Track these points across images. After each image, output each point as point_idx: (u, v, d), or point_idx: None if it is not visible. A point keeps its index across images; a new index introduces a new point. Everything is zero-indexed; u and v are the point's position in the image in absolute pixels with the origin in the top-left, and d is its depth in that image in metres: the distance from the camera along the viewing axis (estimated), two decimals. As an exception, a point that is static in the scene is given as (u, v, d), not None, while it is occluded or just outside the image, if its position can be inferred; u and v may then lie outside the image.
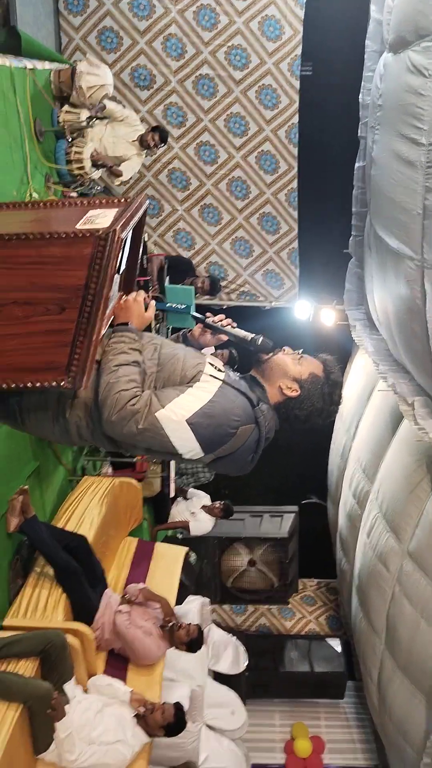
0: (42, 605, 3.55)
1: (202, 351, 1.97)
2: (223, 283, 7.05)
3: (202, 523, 6.21)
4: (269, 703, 7.15)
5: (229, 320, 1.98)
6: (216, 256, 7.06)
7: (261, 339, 1.91)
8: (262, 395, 1.85)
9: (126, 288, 1.96)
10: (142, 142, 5.34)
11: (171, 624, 3.94)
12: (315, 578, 8.20)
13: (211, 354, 1.99)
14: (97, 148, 5.06)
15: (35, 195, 4.26)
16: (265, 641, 7.60)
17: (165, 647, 3.92)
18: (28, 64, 4.38)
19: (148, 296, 1.95)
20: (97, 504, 4.40)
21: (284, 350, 1.94)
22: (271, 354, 1.91)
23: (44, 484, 4.28)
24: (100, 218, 1.56)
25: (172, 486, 5.91)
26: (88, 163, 4.85)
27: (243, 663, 6.08)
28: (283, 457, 7.24)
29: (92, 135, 5.03)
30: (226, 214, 6.81)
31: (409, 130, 3.40)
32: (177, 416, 1.67)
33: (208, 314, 2.01)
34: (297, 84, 6.04)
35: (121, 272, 1.84)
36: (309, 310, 7.17)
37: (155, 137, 5.31)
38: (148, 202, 1.82)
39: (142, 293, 1.90)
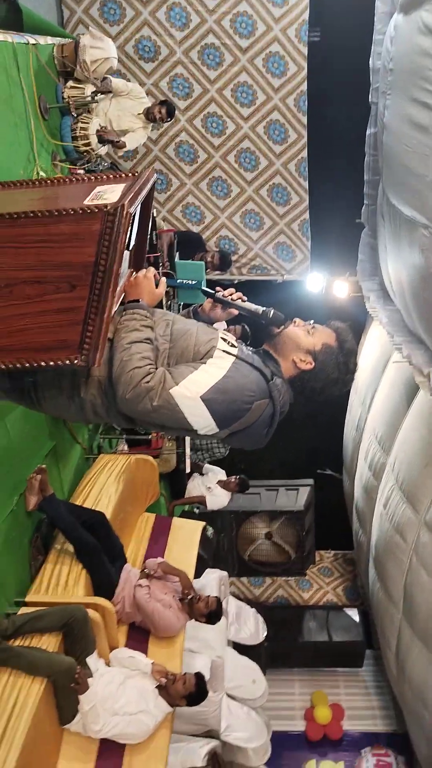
0: (63, 581, 3.61)
1: (215, 326, 1.95)
2: (233, 258, 6.99)
3: (218, 498, 6.25)
4: (289, 673, 7.26)
5: (240, 294, 1.96)
6: (226, 230, 6.98)
7: (272, 312, 1.89)
8: (276, 369, 1.84)
9: (136, 265, 1.95)
10: (149, 115, 5.26)
11: (190, 597, 3.99)
12: (332, 550, 8.26)
13: (224, 329, 1.98)
14: (101, 123, 4.99)
15: (42, 173, 4.23)
16: (283, 612, 7.70)
17: (185, 619, 3.98)
18: (31, 39, 4.30)
19: (158, 273, 1.94)
20: (114, 481, 4.43)
21: (295, 322, 1.92)
22: (282, 327, 1.89)
23: (61, 463, 4.32)
24: (108, 193, 1.54)
25: (188, 462, 5.94)
26: (94, 139, 4.79)
27: (262, 634, 6.17)
28: (297, 430, 7.22)
29: (97, 110, 4.96)
30: (235, 186, 6.72)
31: (422, 94, 3.31)
32: (191, 393, 1.66)
33: (218, 288, 1.99)
34: (305, 50, 5.89)
35: (130, 249, 1.82)
36: (321, 283, 7.10)
37: (162, 111, 5.22)
38: (155, 176, 1.79)
39: (152, 270, 1.88)
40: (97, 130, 4.82)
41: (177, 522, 5.10)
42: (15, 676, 2.97)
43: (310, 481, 7.57)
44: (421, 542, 4.76)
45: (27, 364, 1.38)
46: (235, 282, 7.17)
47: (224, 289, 1.99)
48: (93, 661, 3.28)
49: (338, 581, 8.03)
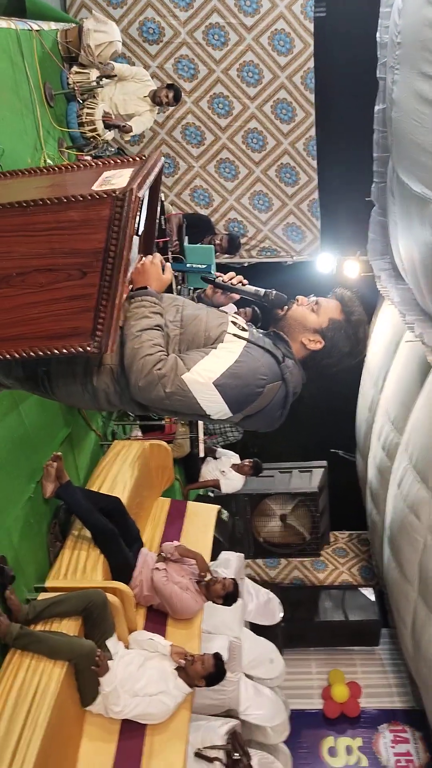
0: (81, 566, 3.65)
1: (225, 309, 1.94)
2: (242, 240, 6.94)
3: (232, 481, 6.29)
4: (305, 652, 7.33)
5: (240, 278, 1.94)
6: (235, 213, 6.93)
7: (273, 293, 1.88)
8: (287, 351, 1.83)
9: (146, 250, 1.94)
10: (155, 99, 5.21)
11: (207, 579, 4.03)
12: (346, 530, 8.28)
13: (234, 312, 1.97)
14: (107, 109, 4.96)
15: (49, 161, 4.21)
16: (299, 593, 7.76)
17: (202, 601, 4.02)
18: (34, 25, 4.27)
19: (169, 257, 1.92)
20: (129, 467, 4.46)
21: (298, 301, 1.90)
22: (286, 308, 1.88)
23: (76, 450, 4.35)
24: (116, 178, 1.53)
25: (201, 446, 5.97)
26: (100, 125, 4.76)
27: (278, 614, 6.21)
28: (310, 412, 7.23)
29: (102, 95, 4.93)
30: (242, 167, 6.65)
31: (431, 67, 3.25)
32: (203, 378, 1.66)
33: (217, 274, 1.97)
34: (311, 26, 5.79)
35: (140, 234, 1.82)
36: (332, 263, 7.05)
37: (169, 94, 5.18)
38: (163, 159, 1.78)
39: (158, 255, 1.87)
40: (103, 116, 4.79)
41: (192, 506, 5.13)
42: (37, 660, 3.02)
43: (324, 462, 7.59)
44: (437, 521, 4.76)
45: (40, 353, 1.38)
46: (245, 265, 7.13)
47: (235, 273, 1.97)
48: (113, 643, 3.33)
49: (353, 561, 8.07)
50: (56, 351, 1.39)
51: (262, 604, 6.15)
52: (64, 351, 1.39)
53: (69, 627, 3.20)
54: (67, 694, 3.08)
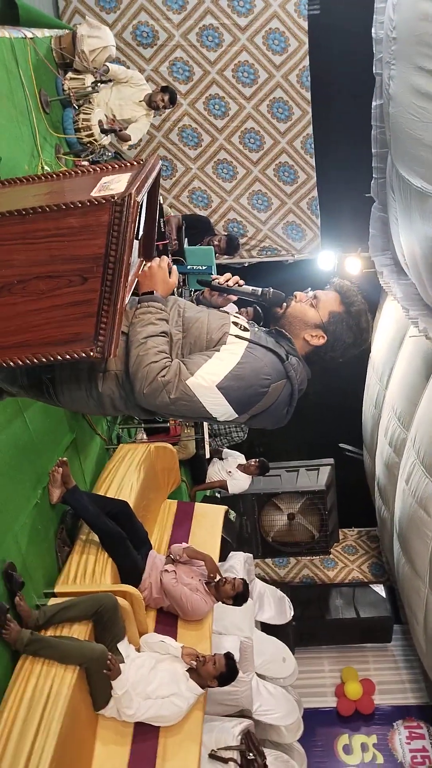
0: (90, 570, 3.65)
1: (226, 310, 1.94)
2: (242, 240, 6.95)
3: (239, 482, 6.28)
4: (318, 650, 7.32)
5: (236, 278, 1.93)
6: (234, 213, 6.93)
7: (271, 292, 1.87)
8: (290, 348, 1.83)
9: (146, 254, 1.94)
10: (151, 103, 5.22)
11: (217, 580, 4.03)
12: (355, 527, 8.28)
13: (236, 312, 1.96)
14: (105, 113, 4.97)
15: (46, 168, 4.22)
16: (309, 591, 7.75)
17: (212, 602, 4.01)
18: (28, 33, 4.28)
19: (169, 261, 1.92)
20: (135, 470, 4.47)
21: (296, 297, 1.89)
22: (285, 306, 1.87)
23: (82, 455, 4.36)
24: (115, 183, 1.53)
25: (207, 447, 5.97)
26: (96, 130, 4.77)
27: (289, 613, 6.21)
28: (315, 409, 7.24)
29: (98, 100, 4.93)
30: (240, 168, 6.66)
31: (427, 61, 3.25)
32: (207, 382, 1.66)
33: (213, 276, 1.97)
34: (305, 24, 5.80)
35: (139, 238, 1.82)
36: (333, 260, 7.05)
37: (164, 98, 5.18)
38: (161, 162, 1.78)
39: (165, 259, 1.87)
40: (100, 121, 4.80)
41: (199, 507, 5.13)
42: (48, 665, 3.02)
43: (331, 460, 7.58)
44: (445, 516, 4.75)
45: (44, 359, 1.39)
46: (246, 265, 7.13)
47: (232, 274, 1.97)
48: (124, 647, 3.33)
49: (363, 558, 8.06)
50: (59, 357, 1.39)
51: (273, 604, 6.15)
52: (68, 357, 1.39)
53: (79, 631, 3.21)
54: (80, 698, 3.08)
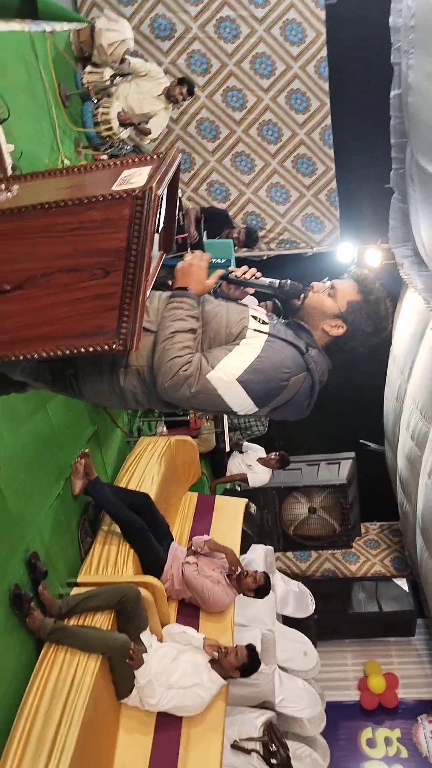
0: (112, 561, 3.69)
1: (244, 302, 1.93)
2: (261, 233, 6.92)
3: (259, 475, 6.29)
4: (340, 644, 7.32)
5: (253, 270, 1.92)
6: (252, 206, 6.91)
7: (288, 283, 1.86)
8: (310, 340, 1.82)
9: (166, 246, 1.95)
10: (169, 96, 5.22)
11: (238, 572, 4.04)
12: (377, 521, 8.23)
13: (255, 306, 1.95)
14: (123, 107, 4.98)
15: (66, 161, 4.25)
16: (331, 585, 7.74)
17: (234, 594, 4.03)
18: (47, 27, 4.31)
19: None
20: (156, 462, 4.50)
21: (313, 288, 1.88)
22: (302, 297, 1.87)
23: (104, 447, 4.40)
24: (135, 177, 1.54)
25: (227, 441, 5.98)
26: (115, 123, 4.79)
27: (311, 607, 6.21)
28: (336, 403, 7.20)
29: (117, 94, 4.95)
30: (259, 160, 6.63)
31: (447, 49, 3.20)
32: (227, 376, 1.67)
33: (230, 269, 1.96)
34: (322, 14, 5.75)
35: (160, 231, 1.83)
36: (353, 252, 7.00)
37: (183, 91, 5.18)
38: (180, 155, 1.79)
39: (207, 256, 1.85)
40: (119, 114, 4.82)
41: (220, 500, 5.15)
42: (71, 654, 3.06)
43: (352, 454, 7.55)
44: (468, 509, 4.71)
45: (67, 351, 1.40)
46: (265, 258, 7.11)
47: (248, 267, 1.96)
48: (146, 637, 3.37)
49: (385, 552, 8.02)
50: (82, 350, 1.41)
51: (294, 597, 6.15)
52: (90, 349, 1.40)
53: (102, 621, 3.24)
54: (103, 687, 3.12)
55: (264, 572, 4.13)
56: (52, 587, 3.24)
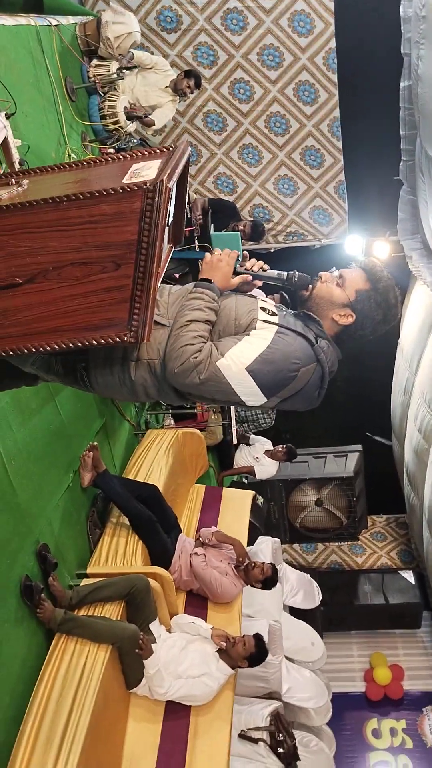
0: (121, 552, 3.72)
1: (253, 294, 1.94)
2: (268, 226, 6.91)
3: (266, 467, 6.30)
4: (346, 636, 7.35)
5: (260, 263, 1.91)
6: (259, 198, 6.89)
7: (296, 274, 1.86)
8: (319, 330, 1.82)
9: (174, 240, 1.96)
10: (177, 89, 5.21)
11: (246, 564, 4.07)
12: (384, 514, 8.24)
13: (263, 298, 1.95)
14: (130, 100, 4.98)
15: (73, 155, 4.26)
16: (338, 577, 7.77)
17: (241, 585, 4.06)
18: (53, 20, 4.30)
19: (195, 245, 1.90)
20: (164, 455, 4.52)
21: (321, 278, 1.88)
22: (311, 288, 1.87)
23: (112, 440, 4.43)
24: (146, 170, 1.55)
25: (234, 433, 6.00)
26: (122, 117, 4.78)
27: (317, 598, 6.23)
28: (343, 396, 7.21)
29: (123, 86, 4.94)
30: (266, 152, 6.61)
31: (457, 39, 3.18)
32: (236, 365, 1.68)
33: (241, 263, 1.96)
34: (331, 5, 5.71)
35: (169, 224, 1.83)
36: (361, 245, 6.97)
37: (190, 83, 5.17)
38: (189, 148, 1.79)
39: (235, 254, 1.85)
40: (125, 108, 4.81)
41: (227, 492, 5.18)
42: (82, 644, 3.10)
43: (359, 446, 7.55)
44: None
45: (79, 343, 1.42)
46: (272, 250, 7.10)
47: (256, 259, 1.96)
48: (155, 627, 3.40)
49: (392, 545, 8.03)
50: (94, 342, 1.42)
51: (301, 589, 6.18)
52: (102, 341, 1.42)
53: (112, 611, 3.28)
54: (112, 676, 3.15)
55: (271, 564, 4.15)
56: (61, 578, 3.28)
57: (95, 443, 3.80)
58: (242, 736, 4.33)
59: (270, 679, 4.88)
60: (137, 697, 3.38)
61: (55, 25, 4.30)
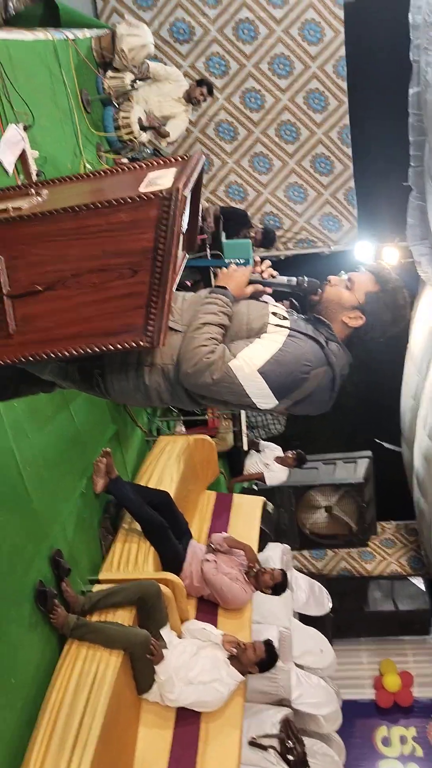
0: (133, 558, 3.74)
1: (264, 299, 1.96)
2: (278, 233, 6.94)
3: (276, 474, 6.31)
4: (356, 642, 7.32)
5: (270, 270, 1.95)
6: (270, 206, 6.93)
7: (306, 280, 1.89)
8: (329, 334, 1.84)
9: (188, 247, 1.99)
10: (190, 99, 5.27)
11: (256, 570, 4.08)
12: (393, 520, 8.21)
13: (274, 303, 1.98)
14: (145, 110, 5.03)
15: (88, 166, 4.31)
16: (347, 583, 7.74)
17: (252, 591, 4.07)
18: (69, 34, 4.37)
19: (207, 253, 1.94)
20: (175, 461, 4.54)
21: (330, 282, 1.90)
22: (320, 292, 1.89)
23: (124, 447, 4.45)
24: (161, 179, 1.58)
25: (245, 440, 6.01)
26: (136, 127, 4.84)
27: (327, 605, 6.21)
28: (352, 402, 7.20)
29: (138, 98, 5.00)
30: (276, 160, 6.66)
31: (467, 48, 3.21)
32: (248, 367, 1.70)
33: (254, 268, 1.99)
34: (341, 13, 5.76)
35: (184, 232, 1.86)
36: (370, 251, 6.99)
37: (204, 91, 5.23)
38: (203, 157, 1.83)
39: (250, 269, 1.90)
40: (140, 119, 4.87)
41: (237, 498, 5.18)
42: (93, 649, 3.11)
43: (368, 452, 7.53)
44: None
45: (96, 349, 1.45)
46: (282, 257, 7.13)
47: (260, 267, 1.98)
48: (166, 633, 3.40)
49: (401, 552, 8.00)
50: (111, 347, 1.45)
51: (311, 595, 6.16)
52: (119, 346, 1.45)
53: (123, 617, 3.29)
54: (124, 682, 3.16)
55: (281, 570, 4.16)
56: (74, 584, 3.29)
57: (108, 450, 3.83)
58: (252, 743, 4.32)
59: (280, 685, 4.86)
60: (148, 703, 3.38)
61: (72, 39, 4.36)
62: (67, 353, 1.46)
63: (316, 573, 7.87)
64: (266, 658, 3.50)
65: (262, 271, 1.95)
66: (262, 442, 6.67)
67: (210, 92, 5.29)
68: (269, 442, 6.70)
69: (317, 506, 7.40)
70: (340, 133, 6.39)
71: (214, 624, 3.90)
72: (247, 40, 5.95)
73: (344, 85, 6.10)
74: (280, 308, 1.89)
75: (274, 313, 1.84)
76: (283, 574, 4.11)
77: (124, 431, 4.53)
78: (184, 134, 6.40)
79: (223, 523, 4.75)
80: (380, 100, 6.04)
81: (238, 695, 3.57)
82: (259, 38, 5.93)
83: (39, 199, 1.65)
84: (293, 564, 6.82)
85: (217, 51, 6.01)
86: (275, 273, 1.96)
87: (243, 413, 5.74)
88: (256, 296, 1.97)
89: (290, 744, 4.43)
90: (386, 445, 8.12)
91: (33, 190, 1.69)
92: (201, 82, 5.30)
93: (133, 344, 1.45)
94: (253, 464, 6.43)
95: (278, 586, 4.06)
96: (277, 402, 1.76)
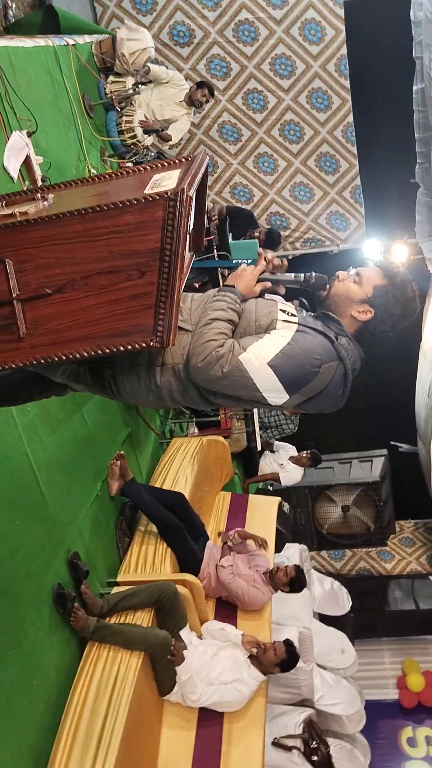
0: (150, 560, 3.75)
1: (272, 297, 1.97)
2: (285, 233, 6.94)
3: (291, 474, 6.29)
4: (377, 642, 7.27)
5: (276, 260, 1.95)
6: (276, 206, 6.94)
7: (314, 276, 1.90)
8: (339, 329, 1.84)
9: (195, 248, 2.00)
10: (193, 102, 5.29)
11: (270, 570, 4.07)
12: (412, 519, 8.15)
13: (283, 301, 1.99)
14: (146, 114, 5.07)
15: (93, 170, 4.35)
16: (367, 583, 7.70)
17: (270, 593, 4.05)
18: (69, 40, 4.41)
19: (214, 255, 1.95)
20: (189, 463, 4.55)
21: (338, 277, 1.91)
22: (328, 287, 1.90)
23: (138, 449, 4.47)
24: (166, 180, 1.59)
25: (258, 440, 6.00)
26: (139, 131, 4.87)
27: (347, 605, 6.19)
28: (366, 401, 7.17)
29: (139, 101, 5.03)
30: (281, 160, 6.66)
31: (469, 40, 3.20)
32: (258, 360, 1.71)
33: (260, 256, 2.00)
34: (341, 12, 5.76)
35: (190, 232, 1.87)
36: (379, 248, 6.97)
37: (205, 93, 5.25)
38: (208, 158, 1.84)
39: (260, 269, 1.91)
40: (140, 121, 4.90)
41: (253, 499, 5.18)
42: (114, 651, 3.12)
43: (384, 451, 7.50)
44: None
45: (107, 350, 1.46)
46: (290, 257, 7.12)
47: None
48: (186, 634, 3.41)
49: (421, 550, 7.94)
50: (122, 348, 1.46)
51: (330, 595, 6.14)
52: (129, 347, 1.46)
53: (142, 619, 3.30)
54: (145, 683, 3.17)
55: (295, 565, 4.13)
56: (92, 587, 3.31)
57: (122, 452, 3.85)
58: (276, 744, 4.31)
59: (302, 686, 4.85)
60: (170, 705, 3.39)
61: (72, 45, 4.40)
62: (78, 355, 1.47)
63: (334, 573, 7.84)
64: (287, 658, 3.50)
65: (269, 261, 1.95)
66: (276, 442, 6.66)
67: (211, 93, 5.32)
68: (283, 442, 6.68)
69: (334, 506, 7.37)
70: (344, 132, 6.38)
71: (234, 624, 3.89)
72: (248, 41, 5.96)
73: (347, 83, 6.09)
74: (289, 306, 1.89)
75: (283, 311, 1.84)
76: (297, 568, 4.08)
77: (138, 434, 4.54)
78: (188, 136, 6.43)
79: (239, 524, 4.75)
80: (384, 97, 6.03)
81: (261, 695, 3.57)
82: (259, 39, 5.95)
83: (45, 203, 1.66)
84: (312, 565, 6.80)
85: (218, 53, 6.04)
86: (283, 261, 1.96)
87: (256, 413, 5.74)
88: (264, 294, 1.97)
89: (314, 744, 4.41)
90: (402, 447, 8.07)
91: (39, 195, 1.71)
92: (201, 84, 5.32)
93: (143, 344, 1.46)
94: (267, 464, 6.42)
95: (294, 581, 4.03)
96: (287, 396, 1.76)
